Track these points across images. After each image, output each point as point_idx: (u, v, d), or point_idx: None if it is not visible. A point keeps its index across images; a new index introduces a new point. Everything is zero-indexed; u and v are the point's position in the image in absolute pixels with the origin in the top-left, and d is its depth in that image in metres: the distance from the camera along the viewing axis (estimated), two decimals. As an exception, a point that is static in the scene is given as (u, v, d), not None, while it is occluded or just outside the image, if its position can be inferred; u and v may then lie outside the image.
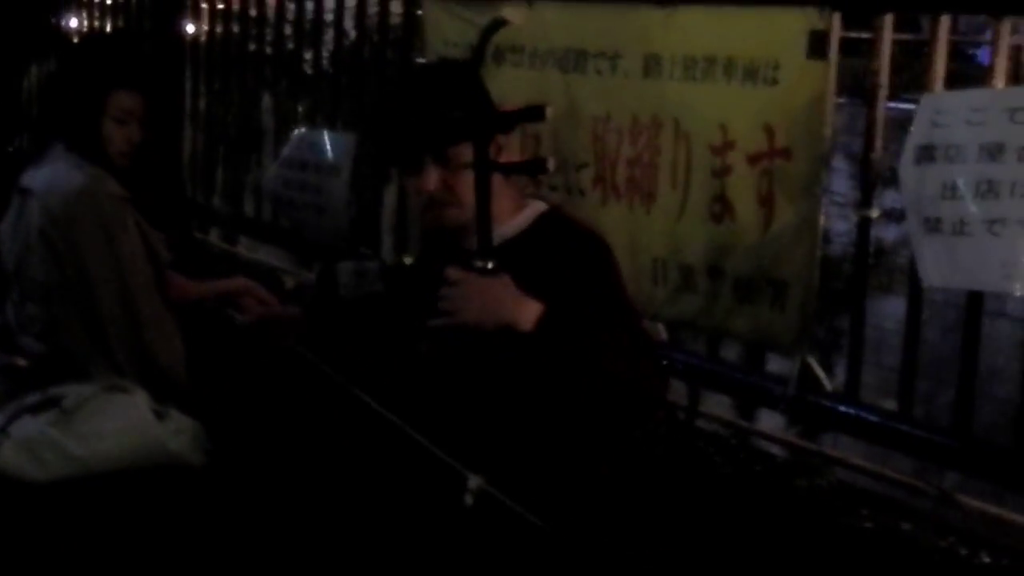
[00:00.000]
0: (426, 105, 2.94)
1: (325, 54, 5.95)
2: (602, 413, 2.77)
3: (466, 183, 2.83)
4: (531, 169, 2.97)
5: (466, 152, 2.81)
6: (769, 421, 4.04)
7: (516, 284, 2.77)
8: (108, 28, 8.00)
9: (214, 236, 6.93)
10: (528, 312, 2.71)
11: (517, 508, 2.73)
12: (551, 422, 2.80)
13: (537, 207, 3.03)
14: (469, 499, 2.78)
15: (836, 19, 3.52)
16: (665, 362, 3.86)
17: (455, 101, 2.89)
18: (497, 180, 2.84)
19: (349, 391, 3.14)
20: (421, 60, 3.15)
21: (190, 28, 6.98)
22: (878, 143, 3.51)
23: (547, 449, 2.83)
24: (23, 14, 9.08)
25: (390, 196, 5.49)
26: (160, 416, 3.66)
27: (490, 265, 2.75)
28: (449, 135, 2.88)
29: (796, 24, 3.55)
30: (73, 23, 8.55)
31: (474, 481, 2.78)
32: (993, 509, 3.29)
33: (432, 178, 2.92)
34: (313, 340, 3.48)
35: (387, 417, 2.95)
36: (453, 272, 2.76)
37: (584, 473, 2.88)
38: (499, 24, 2.86)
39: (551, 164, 2.73)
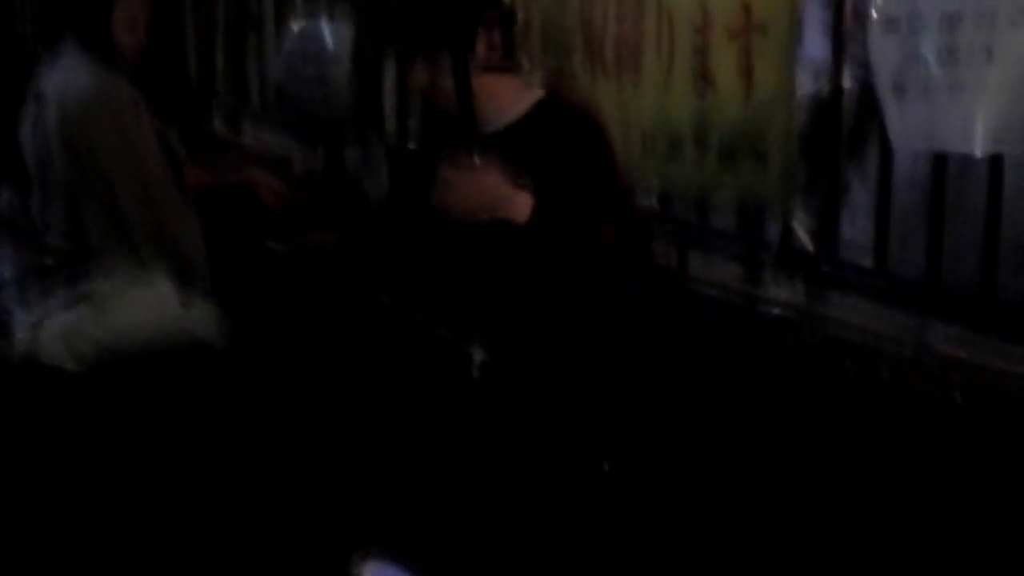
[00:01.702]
0: (410, 7, 3.09)
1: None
2: (594, 286, 2.95)
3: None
4: (504, 70, 3.11)
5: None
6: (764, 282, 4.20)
7: (520, 165, 2.92)
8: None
9: (218, 125, 7.06)
10: (520, 204, 2.86)
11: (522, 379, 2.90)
12: (549, 296, 2.98)
13: (536, 93, 3.16)
14: (475, 372, 2.97)
15: None
16: (656, 229, 4.07)
17: (434, 7, 3.04)
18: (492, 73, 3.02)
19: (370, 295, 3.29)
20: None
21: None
22: (848, 13, 3.66)
23: (547, 320, 3.01)
24: None
25: (390, 82, 5.63)
26: (184, 304, 3.83)
27: (476, 160, 2.90)
28: (429, 39, 3.03)
29: None
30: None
31: (479, 354, 2.96)
32: (963, 354, 3.48)
33: (421, 74, 3.08)
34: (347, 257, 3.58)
35: (397, 305, 3.12)
36: (444, 169, 2.91)
37: (582, 341, 3.06)
38: None
39: (524, 66, 2.87)
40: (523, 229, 2.87)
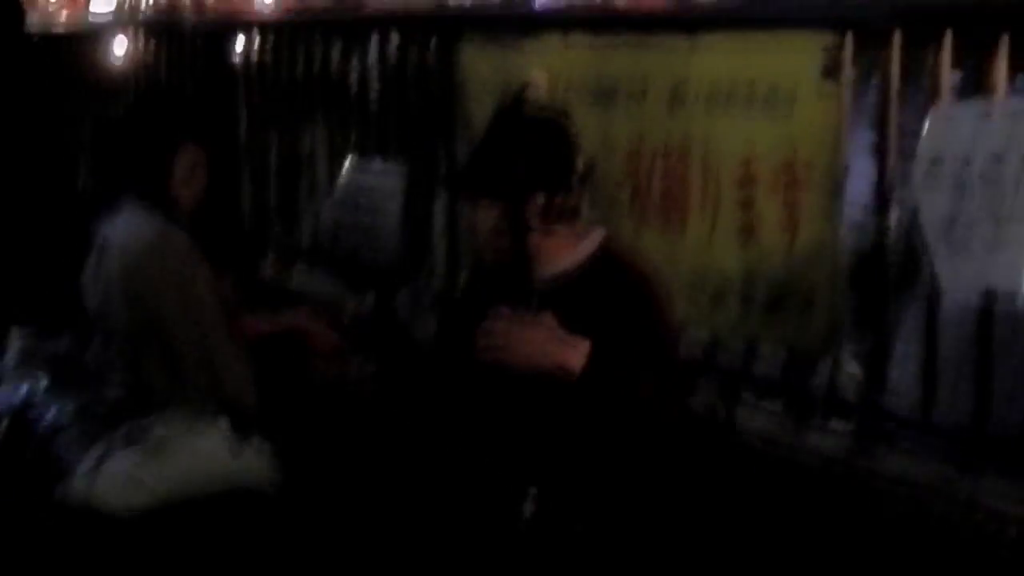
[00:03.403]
0: (492, 156, 3.16)
1: (373, 90, 6.18)
2: (639, 437, 2.98)
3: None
4: (562, 222, 3.17)
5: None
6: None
7: (571, 317, 2.97)
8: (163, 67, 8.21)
9: (268, 268, 7.13)
10: (576, 355, 2.90)
11: (572, 516, 2.92)
12: (596, 441, 3.00)
13: (594, 240, 3.21)
14: (528, 509, 2.99)
15: (848, 40, 3.72)
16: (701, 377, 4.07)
17: (513, 159, 3.12)
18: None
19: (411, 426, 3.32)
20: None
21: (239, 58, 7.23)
22: (892, 160, 3.71)
23: (594, 463, 3.04)
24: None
25: (440, 223, 5.71)
26: (237, 446, 3.88)
27: (533, 310, 2.94)
28: (504, 190, 3.10)
29: (809, 47, 3.75)
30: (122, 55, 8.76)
31: (532, 491, 2.98)
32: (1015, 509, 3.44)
33: (485, 217, 3.13)
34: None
35: (445, 442, 3.15)
36: (500, 316, 2.95)
37: (627, 481, 3.08)
38: (523, 90, 3.07)
39: (580, 223, 2.95)
40: (575, 382, 2.90)
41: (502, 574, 3.10)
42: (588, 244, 3.19)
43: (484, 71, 5.10)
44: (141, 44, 8.53)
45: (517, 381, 3.00)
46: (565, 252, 3.16)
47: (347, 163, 6.12)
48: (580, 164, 3.21)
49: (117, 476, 3.76)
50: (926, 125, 3.47)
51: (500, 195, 3.11)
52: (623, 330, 2.99)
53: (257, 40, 7.10)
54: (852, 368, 3.84)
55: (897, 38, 3.71)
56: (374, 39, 6.08)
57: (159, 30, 8.29)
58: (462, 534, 3.18)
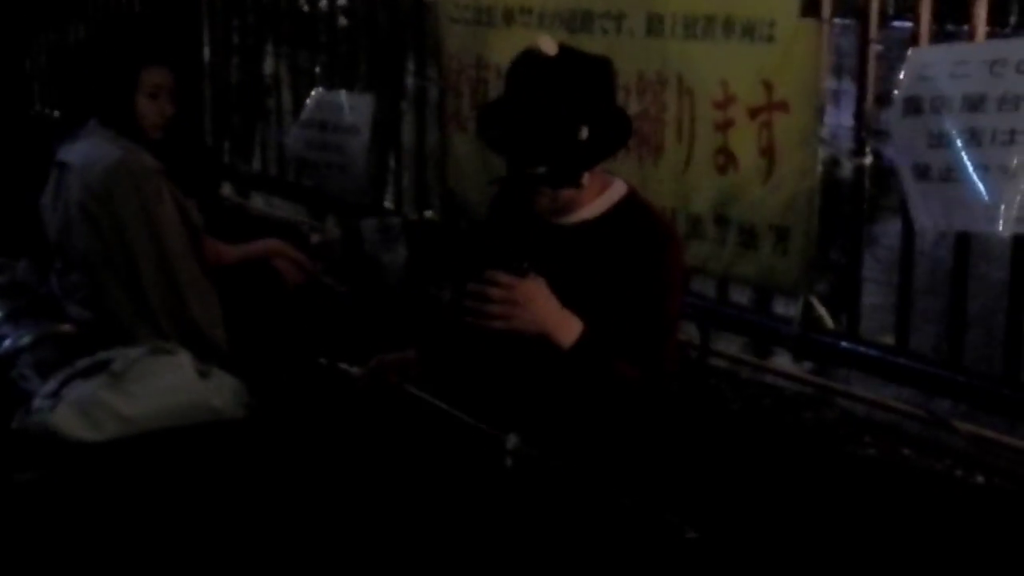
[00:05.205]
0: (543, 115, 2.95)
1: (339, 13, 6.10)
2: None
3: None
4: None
5: None
6: (780, 357, 4.20)
7: (589, 261, 2.95)
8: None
9: (229, 191, 7.08)
10: (568, 330, 2.86)
11: (553, 461, 2.89)
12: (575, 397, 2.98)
13: (617, 190, 3.13)
14: (509, 461, 2.96)
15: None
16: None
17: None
18: None
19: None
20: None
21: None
22: (870, 96, 3.69)
23: (572, 412, 3.01)
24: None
25: (409, 155, 5.66)
26: (203, 375, 3.82)
27: (525, 265, 2.89)
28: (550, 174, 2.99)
29: (789, -16, 3.72)
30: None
31: (512, 440, 2.95)
32: (987, 432, 3.48)
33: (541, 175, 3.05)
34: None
35: (428, 398, 3.11)
36: (498, 276, 2.88)
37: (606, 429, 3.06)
38: (531, 56, 2.94)
39: (584, 180, 2.93)
40: (563, 352, 2.88)
41: (483, 524, 3.07)
42: (614, 192, 3.13)
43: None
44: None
45: (505, 338, 2.96)
46: (594, 195, 3.09)
47: (313, 90, 6.04)
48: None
49: (78, 404, 3.70)
50: (904, 66, 3.44)
51: (558, 156, 3.01)
52: (636, 279, 2.95)
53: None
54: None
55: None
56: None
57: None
58: (443, 483, 3.14)
